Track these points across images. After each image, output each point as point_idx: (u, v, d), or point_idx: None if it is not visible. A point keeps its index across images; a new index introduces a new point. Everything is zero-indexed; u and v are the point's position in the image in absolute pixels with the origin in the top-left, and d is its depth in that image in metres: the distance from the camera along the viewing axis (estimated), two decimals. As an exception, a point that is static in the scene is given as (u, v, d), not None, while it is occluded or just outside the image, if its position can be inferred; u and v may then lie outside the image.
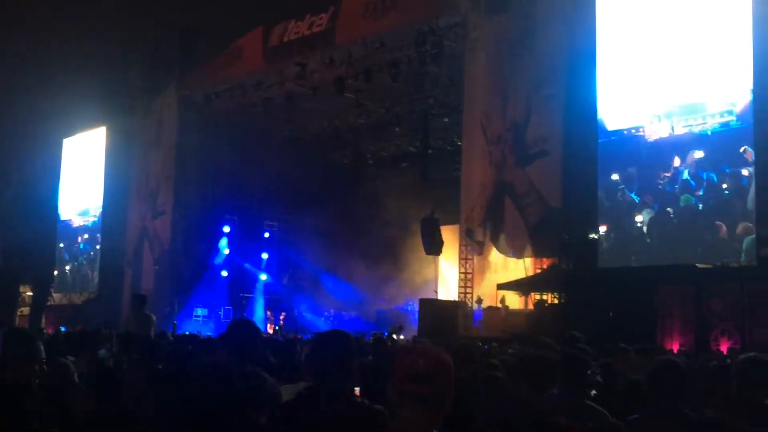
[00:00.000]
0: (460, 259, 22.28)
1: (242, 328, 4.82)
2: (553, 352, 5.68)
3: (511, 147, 20.38)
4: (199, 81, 28.48)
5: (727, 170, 16.86)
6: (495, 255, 21.76)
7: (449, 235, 23.33)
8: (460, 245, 22.34)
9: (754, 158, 16.36)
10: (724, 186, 16.93)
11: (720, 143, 17.03)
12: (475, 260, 22.11)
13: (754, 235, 16.35)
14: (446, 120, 25.96)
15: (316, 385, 3.68)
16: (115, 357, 6.80)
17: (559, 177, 19.29)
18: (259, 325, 26.60)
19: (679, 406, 4.18)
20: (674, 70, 17.89)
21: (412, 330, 21.44)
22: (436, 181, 26.55)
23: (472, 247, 21.72)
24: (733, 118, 16.82)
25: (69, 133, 34.27)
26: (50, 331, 21.22)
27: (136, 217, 31.03)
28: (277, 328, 28.28)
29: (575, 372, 4.73)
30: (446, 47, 21.94)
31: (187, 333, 15.38)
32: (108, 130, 32.07)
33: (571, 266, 19.54)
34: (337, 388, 3.60)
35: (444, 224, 23.33)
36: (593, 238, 19.03)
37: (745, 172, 16.65)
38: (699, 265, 17.31)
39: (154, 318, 11.15)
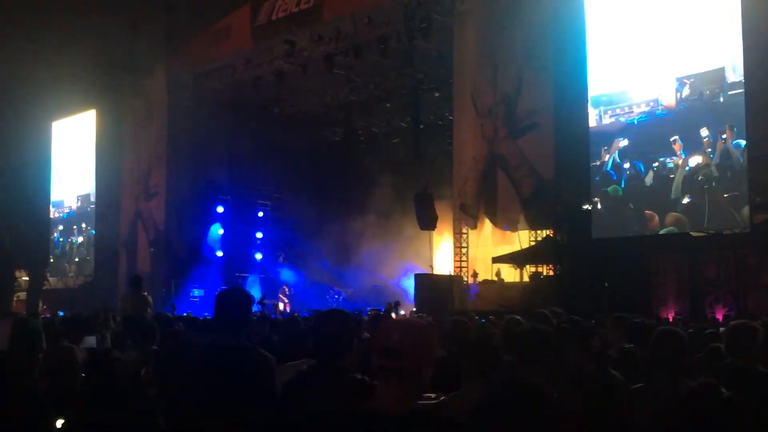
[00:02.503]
0: (455, 233, 22.31)
1: (228, 300, 4.19)
2: (547, 324, 5.67)
3: (502, 119, 20.37)
4: (187, 60, 28.30)
5: (655, 160, 17.49)
6: (489, 228, 21.79)
7: (443, 210, 23.31)
8: (454, 219, 22.37)
9: (683, 149, 16.88)
10: (650, 176, 17.52)
11: (645, 132, 17.62)
12: (470, 234, 22.13)
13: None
14: (437, 94, 25.86)
15: (318, 364, 3.72)
16: (115, 340, 6.80)
17: (551, 149, 19.32)
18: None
19: (679, 375, 4.20)
20: (602, 58, 18.54)
21: (409, 306, 21.50)
22: (429, 155, 26.51)
23: (466, 221, 21.75)
24: (659, 107, 17.35)
25: (58, 117, 34.11)
26: (47, 315, 21.22)
27: (129, 199, 30.97)
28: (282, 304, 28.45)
29: (571, 344, 4.71)
30: (434, 21, 21.82)
31: (184, 314, 15.40)
32: (98, 112, 31.96)
33: (565, 238, 19.61)
34: (338, 365, 3.64)
35: (437, 199, 23.31)
36: (586, 209, 19.08)
37: (671, 163, 17.19)
38: (693, 234, 17.40)
39: (150, 299, 11.12)
